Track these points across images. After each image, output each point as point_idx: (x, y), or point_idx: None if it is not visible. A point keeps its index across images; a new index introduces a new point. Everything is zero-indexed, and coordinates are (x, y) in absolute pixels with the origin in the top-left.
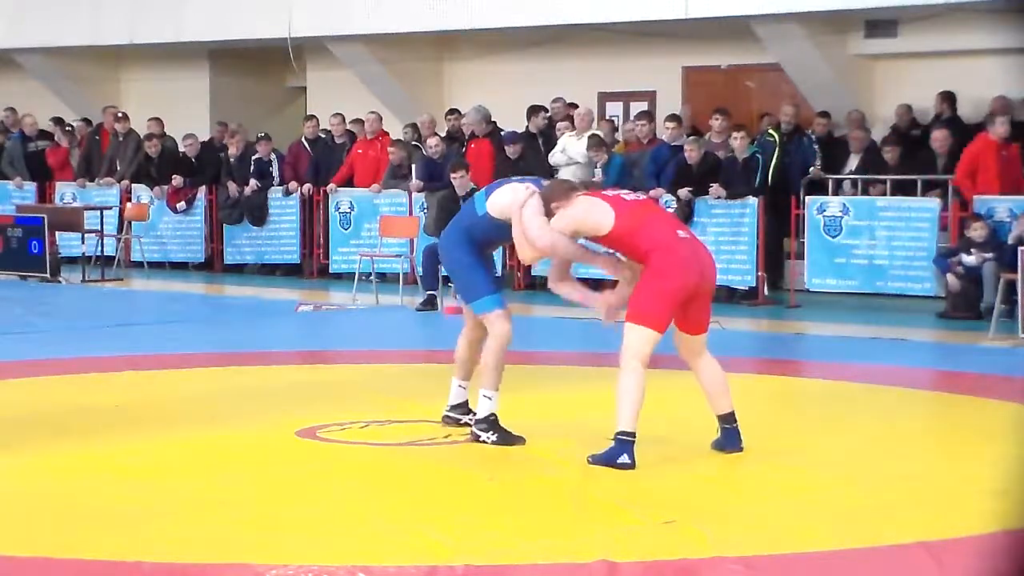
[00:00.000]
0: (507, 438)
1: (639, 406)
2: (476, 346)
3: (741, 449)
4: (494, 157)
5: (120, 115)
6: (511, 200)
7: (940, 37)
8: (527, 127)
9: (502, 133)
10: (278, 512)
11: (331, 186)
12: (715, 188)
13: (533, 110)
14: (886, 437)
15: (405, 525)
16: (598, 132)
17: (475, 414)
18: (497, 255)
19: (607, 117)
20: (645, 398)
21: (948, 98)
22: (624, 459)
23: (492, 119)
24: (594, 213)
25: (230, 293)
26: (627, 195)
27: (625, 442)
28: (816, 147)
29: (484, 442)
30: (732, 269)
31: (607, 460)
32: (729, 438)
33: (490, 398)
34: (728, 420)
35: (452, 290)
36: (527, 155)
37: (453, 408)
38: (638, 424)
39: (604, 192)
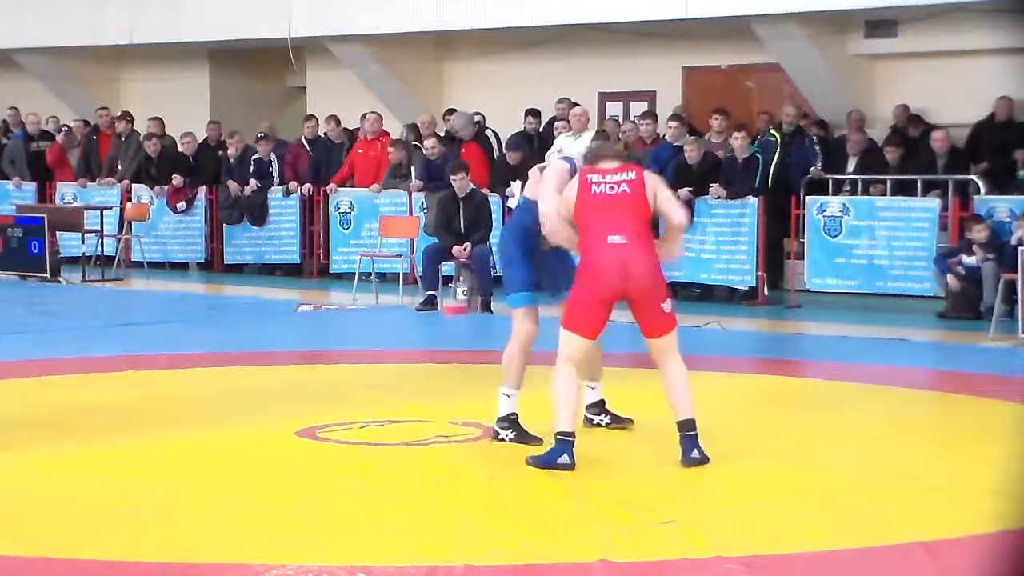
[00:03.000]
0: (524, 437)
1: (574, 407)
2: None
3: (693, 460)
4: (485, 160)
5: (121, 115)
6: (534, 178)
7: (940, 37)
8: (524, 128)
9: (502, 138)
10: (278, 512)
11: (331, 186)
12: (715, 188)
13: (529, 113)
14: (886, 437)
15: (405, 525)
16: (603, 130)
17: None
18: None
19: (608, 117)
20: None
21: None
22: (564, 459)
23: (477, 122)
24: (568, 194)
25: (230, 293)
26: (613, 183)
27: (564, 442)
28: (817, 148)
29: (503, 440)
30: (732, 269)
31: (547, 462)
32: (683, 446)
33: (509, 396)
34: (684, 427)
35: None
36: (529, 161)
37: (588, 407)
38: (576, 424)
39: (600, 170)
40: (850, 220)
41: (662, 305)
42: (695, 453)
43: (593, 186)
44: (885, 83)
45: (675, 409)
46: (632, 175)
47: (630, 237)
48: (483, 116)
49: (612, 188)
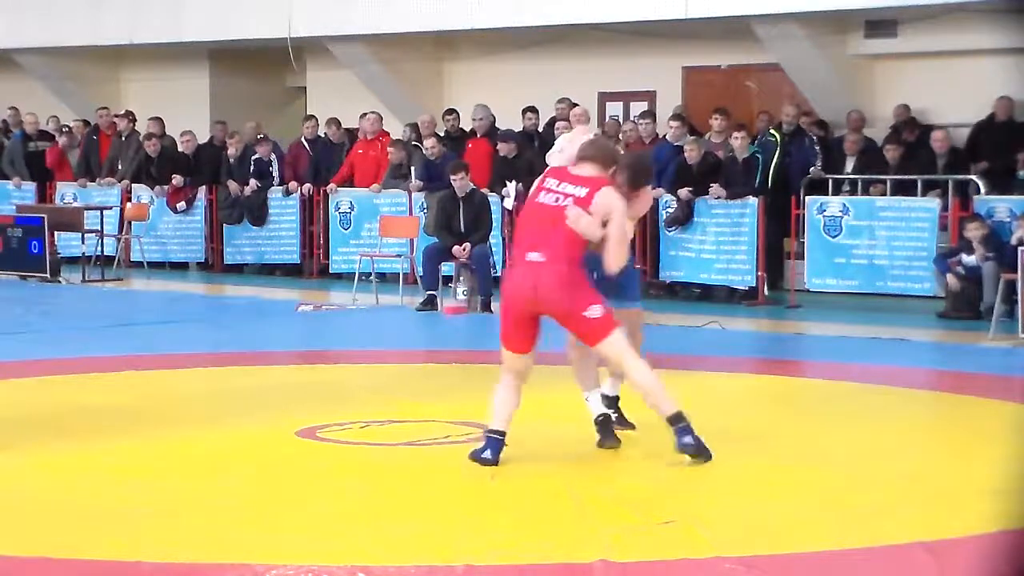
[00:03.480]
0: (614, 427)
1: (507, 409)
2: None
3: (687, 446)
4: (492, 157)
5: (124, 114)
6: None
7: (940, 37)
8: (524, 127)
9: (498, 132)
10: (278, 512)
11: (331, 186)
12: (715, 188)
13: (528, 110)
14: (886, 437)
15: (405, 525)
16: (603, 131)
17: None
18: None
19: (608, 117)
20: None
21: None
22: (486, 455)
23: (491, 121)
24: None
25: (230, 293)
26: (563, 193)
27: (489, 439)
28: (817, 147)
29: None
30: (732, 269)
31: (475, 454)
32: (676, 436)
33: (587, 399)
34: (673, 422)
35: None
36: (523, 153)
37: (604, 397)
38: (509, 424)
39: (564, 173)
40: (850, 220)
41: (585, 314)
42: (688, 439)
43: (543, 193)
44: (885, 83)
45: (657, 410)
46: (583, 192)
47: (550, 255)
48: (495, 116)
49: (558, 199)
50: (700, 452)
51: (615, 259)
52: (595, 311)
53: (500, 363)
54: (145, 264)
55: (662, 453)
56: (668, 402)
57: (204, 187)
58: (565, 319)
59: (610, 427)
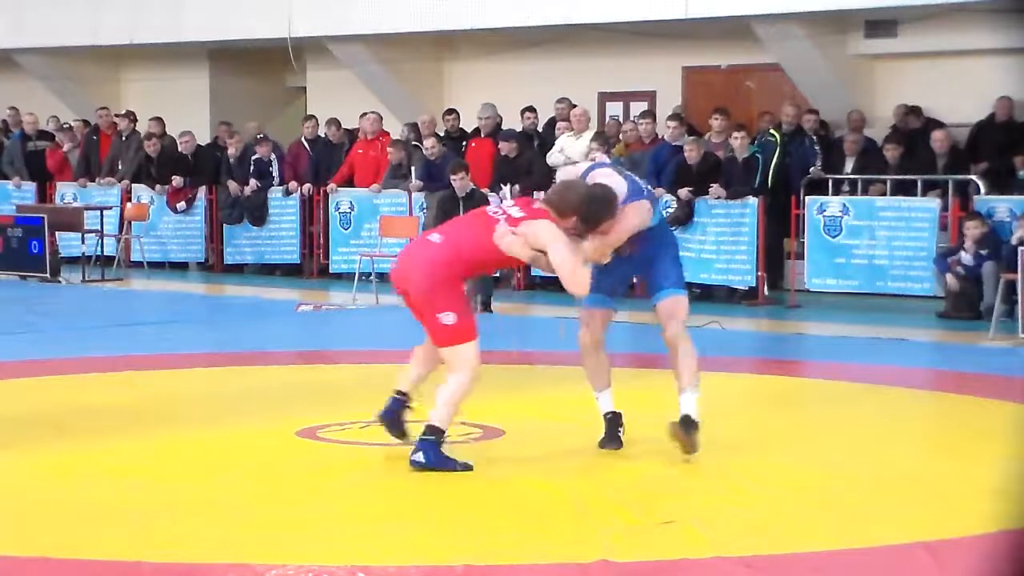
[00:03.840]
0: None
1: (416, 371)
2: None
3: (416, 463)
4: (494, 157)
5: (124, 113)
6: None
7: (940, 37)
8: (524, 127)
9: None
10: (278, 512)
11: (331, 186)
12: (715, 188)
13: (527, 110)
14: (886, 437)
15: (405, 525)
16: (602, 131)
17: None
18: None
19: (608, 117)
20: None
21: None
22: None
23: (498, 122)
24: None
25: (230, 293)
26: (508, 211)
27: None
28: (817, 147)
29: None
30: (732, 269)
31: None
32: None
33: (597, 398)
34: (425, 430)
35: None
36: (523, 153)
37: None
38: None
39: (526, 203)
40: (850, 220)
41: (438, 315)
42: (425, 457)
43: (491, 206)
44: (885, 83)
45: (431, 418)
46: (519, 215)
47: (448, 243)
48: (501, 117)
49: (496, 213)
50: (436, 468)
51: (571, 287)
52: (448, 318)
53: None
54: (145, 264)
55: (662, 453)
56: (446, 421)
57: (204, 187)
58: (417, 305)
59: (615, 427)
